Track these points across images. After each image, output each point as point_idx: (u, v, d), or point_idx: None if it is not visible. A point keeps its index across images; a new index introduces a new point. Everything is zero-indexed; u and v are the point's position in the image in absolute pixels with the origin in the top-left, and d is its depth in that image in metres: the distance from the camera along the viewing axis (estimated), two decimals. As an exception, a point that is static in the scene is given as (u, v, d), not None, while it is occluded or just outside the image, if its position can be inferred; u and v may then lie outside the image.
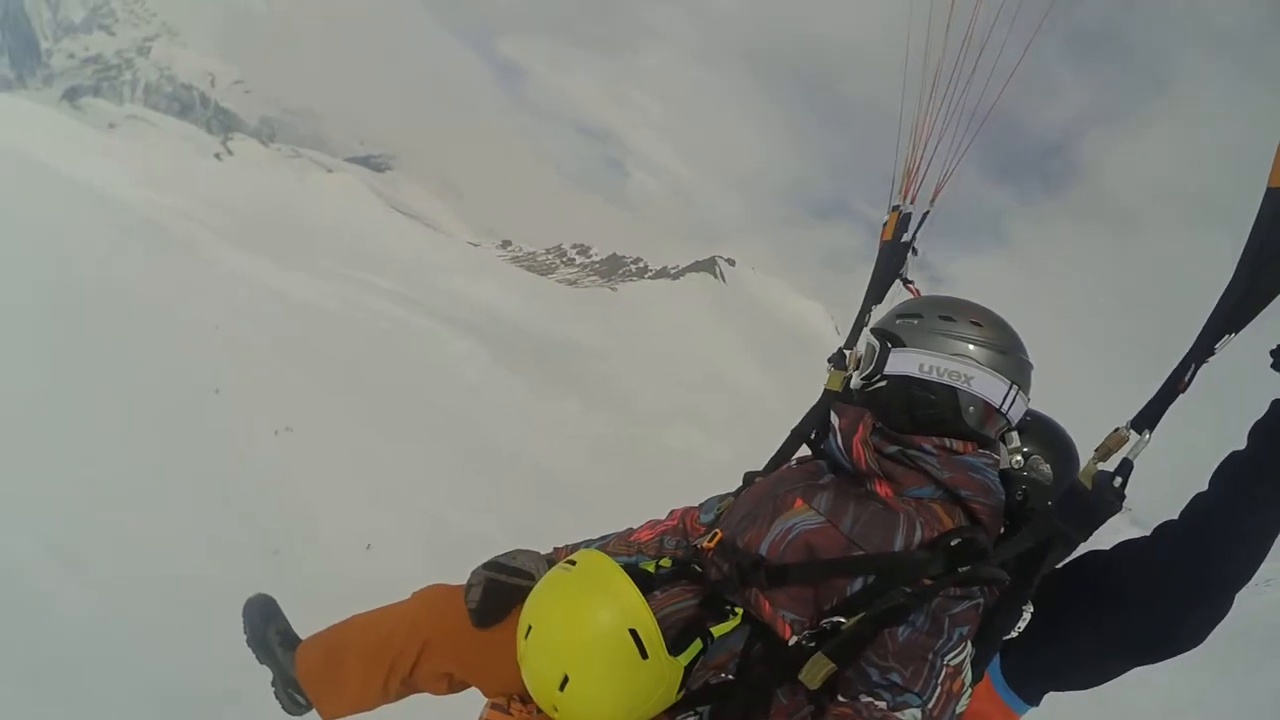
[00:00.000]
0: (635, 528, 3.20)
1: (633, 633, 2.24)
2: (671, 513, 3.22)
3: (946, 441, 2.63)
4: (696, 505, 3.18)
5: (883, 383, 2.76)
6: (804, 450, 3.30)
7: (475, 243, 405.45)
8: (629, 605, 2.28)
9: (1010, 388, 2.66)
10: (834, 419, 2.70)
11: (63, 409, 18.37)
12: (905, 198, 3.42)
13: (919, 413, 2.68)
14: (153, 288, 35.08)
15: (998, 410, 2.68)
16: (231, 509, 18.91)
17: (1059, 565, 2.57)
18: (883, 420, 2.68)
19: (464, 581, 2.93)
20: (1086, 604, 2.57)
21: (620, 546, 3.05)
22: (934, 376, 2.65)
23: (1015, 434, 2.78)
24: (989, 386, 2.63)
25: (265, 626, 3.09)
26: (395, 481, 27.85)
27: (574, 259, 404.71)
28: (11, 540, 11.74)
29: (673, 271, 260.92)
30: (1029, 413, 2.83)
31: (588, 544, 3.08)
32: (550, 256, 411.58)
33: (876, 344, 2.81)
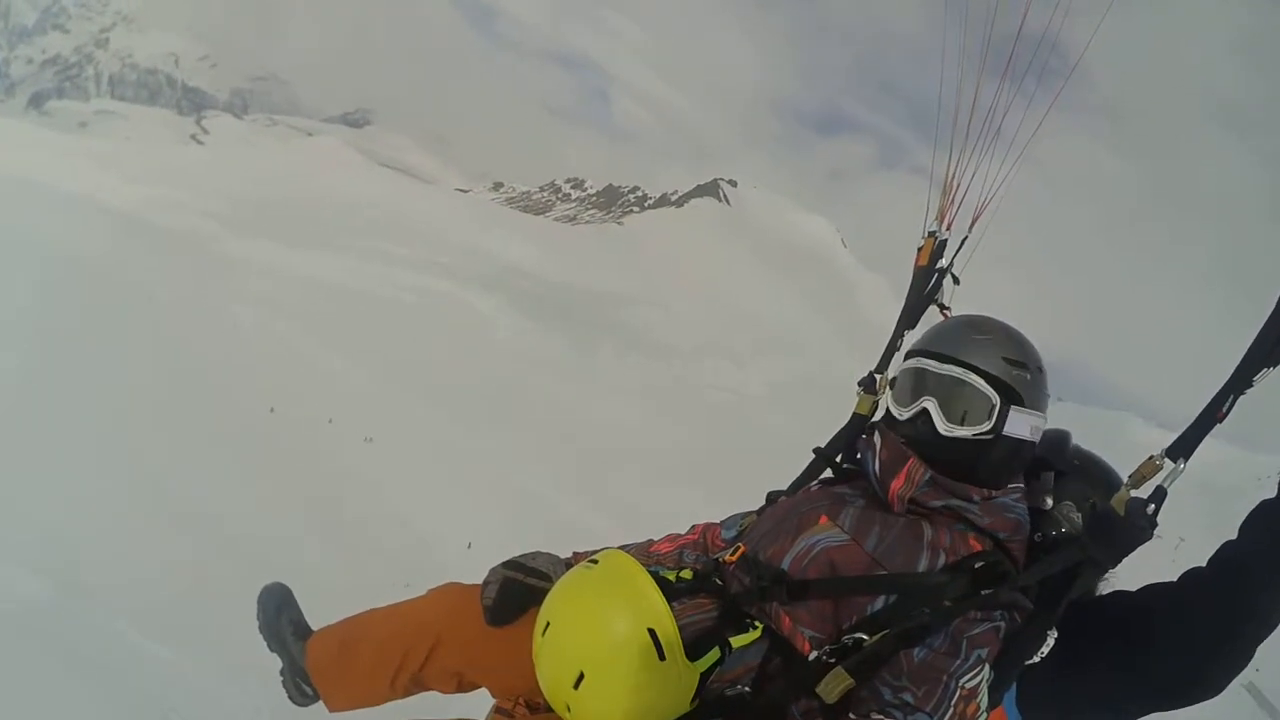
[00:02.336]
0: (655, 539, 3.06)
1: (651, 633, 2.20)
2: (693, 527, 3.07)
3: (992, 492, 2.51)
4: (718, 521, 3.03)
5: (987, 437, 2.51)
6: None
7: (465, 188, 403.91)
8: (649, 605, 2.26)
9: (1043, 419, 2.59)
10: (876, 442, 2.59)
11: (115, 438, 16.67)
12: (941, 223, 3.27)
13: (986, 468, 2.52)
14: (173, 290, 33.19)
15: (1031, 443, 2.59)
16: (339, 535, 17.62)
17: (1088, 596, 2.53)
18: (939, 468, 2.50)
19: (481, 580, 2.85)
20: (1110, 643, 2.47)
21: (639, 557, 2.68)
22: (1032, 437, 2.55)
23: (1050, 475, 2.69)
24: (1030, 426, 2.55)
25: (279, 615, 3.03)
26: (474, 468, 26.87)
27: (569, 194, 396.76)
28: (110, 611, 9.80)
29: (674, 199, 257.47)
30: (1077, 453, 2.77)
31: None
32: (545, 194, 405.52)
33: (994, 397, 2.51)
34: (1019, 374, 2.53)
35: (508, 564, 2.78)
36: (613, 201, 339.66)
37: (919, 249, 3.31)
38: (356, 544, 18.75)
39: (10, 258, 29.78)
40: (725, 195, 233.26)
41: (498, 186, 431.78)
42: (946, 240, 3.29)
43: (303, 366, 29.13)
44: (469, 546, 23.51)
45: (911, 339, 2.91)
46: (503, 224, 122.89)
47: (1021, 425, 2.50)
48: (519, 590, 2.71)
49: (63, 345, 22.15)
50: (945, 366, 2.57)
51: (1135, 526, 2.26)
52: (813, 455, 3.10)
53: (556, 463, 30.82)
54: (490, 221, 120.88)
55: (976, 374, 2.54)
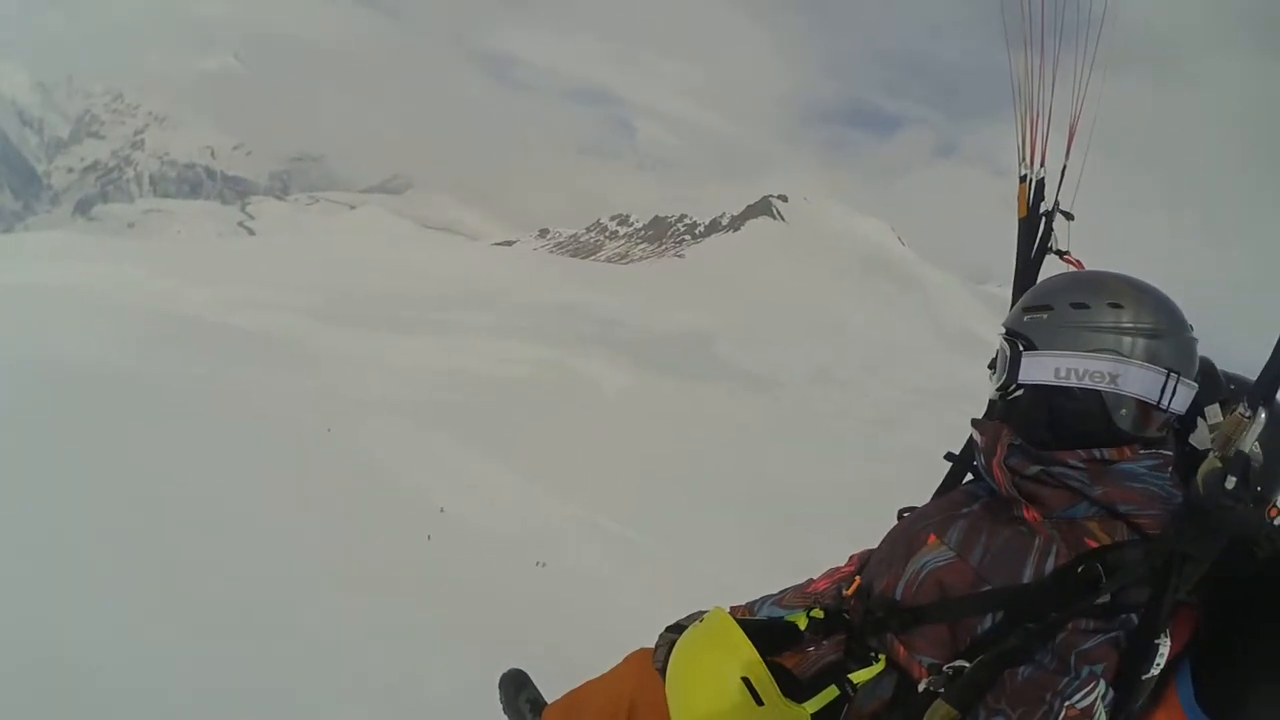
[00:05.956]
0: (815, 578, 2.96)
1: (745, 680, 2.29)
2: (850, 558, 2.94)
3: (1096, 452, 2.22)
4: (875, 547, 2.84)
5: (1019, 391, 2.38)
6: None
7: (511, 239, 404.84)
8: (739, 654, 2.36)
9: (1167, 378, 2.23)
10: (975, 436, 2.46)
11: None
12: (1030, 163, 2.99)
13: (1063, 425, 2.29)
14: (275, 399, 30.35)
15: (1156, 407, 2.22)
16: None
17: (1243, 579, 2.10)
18: (1024, 435, 2.34)
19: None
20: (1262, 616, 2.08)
21: (797, 599, 2.83)
22: (1073, 381, 2.27)
23: (1215, 408, 2.30)
24: (1141, 382, 2.22)
25: (518, 695, 3.37)
26: (656, 564, 23.72)
27: (616, 231, 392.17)
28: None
29: (726, 222, 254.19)
30: (1228, 377, 2.39)
31: (765, 599, 2.97)
32: (592, 234, 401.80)
33: (1007, 348, 2.42)
34: (1033, 318, 2.38)
35: (670, 628, 2.90)
36: (662, 233, 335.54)
37: (1018, 200, 3.11)
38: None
39: (104, 386, 26.82)
40: (779, 212, 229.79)
41: (543, 233, 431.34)
42: (1043, 178, 3.02)
43: (452, 478, 25.71)
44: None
45: None
46: (562, 273, 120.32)
47: (1039, 369, 2.31)
48: None
49: (201, 487, 18.85)
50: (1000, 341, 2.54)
51: (1216, 504, 1.92)
52: (947, 463, 2.96)
53: (732, 535, 27.54)
54: (549, 271, 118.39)
55: (1003, 336, 2.47)
